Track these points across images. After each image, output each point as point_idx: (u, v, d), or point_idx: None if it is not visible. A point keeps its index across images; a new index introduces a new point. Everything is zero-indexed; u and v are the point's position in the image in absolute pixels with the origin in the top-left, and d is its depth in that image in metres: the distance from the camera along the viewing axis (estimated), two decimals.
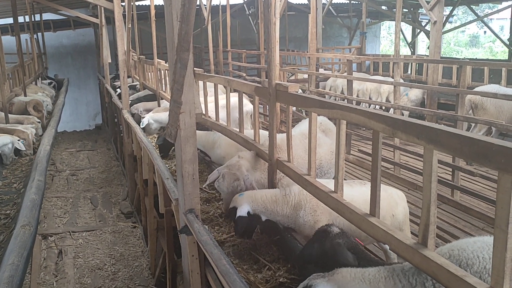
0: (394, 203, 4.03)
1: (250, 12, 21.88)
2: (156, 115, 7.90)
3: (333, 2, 20.45)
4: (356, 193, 3.76)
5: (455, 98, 6.44)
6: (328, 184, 3.53)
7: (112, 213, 9.41)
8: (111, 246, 7.83)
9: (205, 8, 15.16)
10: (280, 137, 4.53)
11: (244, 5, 21.72)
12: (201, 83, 6.80)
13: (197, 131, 6.42)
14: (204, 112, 6.73)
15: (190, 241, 3.80)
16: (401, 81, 9.33)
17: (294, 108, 11.25)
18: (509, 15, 17.94)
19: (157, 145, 6.84)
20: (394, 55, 7.64)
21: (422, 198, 2.31)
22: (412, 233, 5.38)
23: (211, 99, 6.64)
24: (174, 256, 5.74)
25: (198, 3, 16.63)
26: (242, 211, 3.68)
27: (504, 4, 18.57)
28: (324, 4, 17.90)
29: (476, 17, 20.43)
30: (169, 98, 3.71)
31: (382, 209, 3.93)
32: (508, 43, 17.46)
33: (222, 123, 5.92)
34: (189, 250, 3.84)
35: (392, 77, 9.45)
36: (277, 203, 3.82)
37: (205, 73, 6.59)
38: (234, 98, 6.12)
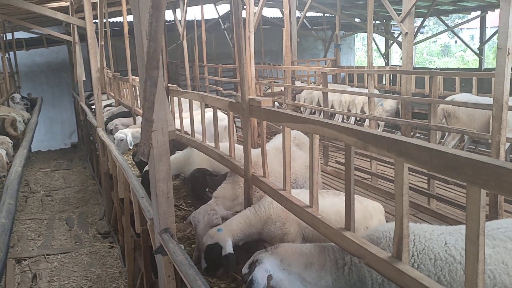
0: (369, 215, 4.02)
1: (226, 27, 21.98)
2: (136, 131, 7.78)
3: (307, 15, 20.72)
4: (327, 204, 3.76)
5: (428, 108, 6.54)
6: (302, 195, 3.52)
7: (89, 233, 9.19)
8: (88, 268, 7.63)
9: (180, 23, 15.19)
10: (256, 153, 4.51)
11: (219, 19, 21.83)
12: (176, 99, 6.76)
13: (171, 156, 6.40)
14: (179, 128, 6.67)
15: (165, 261, 3.72)
16: (376, 91, 9.47)
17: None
18: (478, 24, 18.45)
19: (134, 162, 6.76)
20: (367, 67, 7.74)
21: (395, 211, 2.30)
22: None
23: (186, 114, 6.59)
24: (152, 276, 5.61)
25: (173, 18, 16.66)
26: (229, 247, 3.60)
27: (473, 14, 19.09)
28: (298, 17, 18.11)
29: (446, 28, 20.98)
30: None
31: (356, 221, 3.93)
32: (478, 52, 17.96)
33: (197, 139, 5.87)
34: (165, 270, 3.76)
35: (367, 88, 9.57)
36: (251, 224, 3.82)
37: (179, 89, 6.55)
38: (211, 113, 6.10)
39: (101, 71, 9.13)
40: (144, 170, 5.90)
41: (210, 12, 21.00)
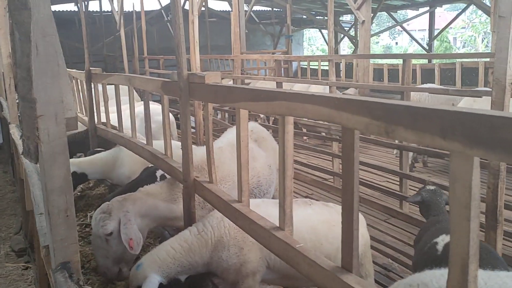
0: None
1: (169, 19, 20.59)
2: None
3: (254, 9, 19.77)
4: (298, 218, 2.71)
5: (400, 97, 5.67)
6: (264, 208, 2.46)
7: (0, 251, 7.64)
8: None
9: (117, 12, 13.76)
10: (204, 151, 3.38)
11: (162, 11, 20.42)
12: (100, 87, 5.48)
13: (93, 156, 5.08)
14: (105, 122, 5.40)
15: None
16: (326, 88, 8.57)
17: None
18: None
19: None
20: (329, 52, 6.78)
21: (450, 247, 1.25)
22: (376, 263, 4.44)
23: (126, 106, 5.22)
24: None
25: (110, 8, 15.13)
26: (150, 286, 2.48)
27: (421, 10, 18.94)
28: (245, 11, 17.09)
29: (388, 27, 20.81)
30: None
31: (335, 237, 2.91)
32: (427, 47, 17.73)
33: (125, 135, 4.65)
34: None
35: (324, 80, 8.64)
36: (193, 251, 2.67)
37: (103, 73, 5.27)
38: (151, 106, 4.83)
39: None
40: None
41: (152, 2, 19.57)
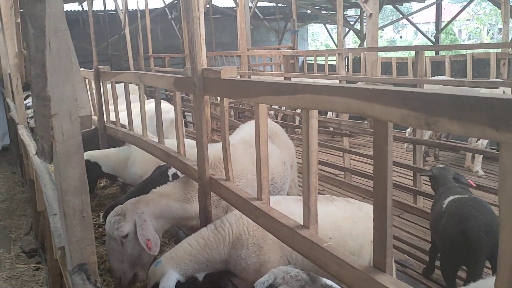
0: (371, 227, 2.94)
1: (173, 16, 20.52)
2: None
3: (258, 5, 19.66)
4: (321, 215, 2.65)
5: None
6: (284, 204, 2.40)
7: (11, 252, 7.60)
8: None
9: (121, 11, 13.73)
10: (216, 148, 3.31)
11: (166, 9, 20.35)
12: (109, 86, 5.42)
13: (106, 149, 5.06)
14: (114, 121, 5.35)
15: None
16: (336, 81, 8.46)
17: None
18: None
19: None
20: (338, 45, 6.69)
21: (499, 247, 1.18)
22: (396, 262, 4.35)
23: (134, 104, 5.14)
24: None
25: (114, 8, 15.11)
26: (168, 283, 2.43)
27: (427, 2, 18.74)
28: (250, 7, 17.00)
29: (394, 20, 20.62)
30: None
31: (358, 235, 2.84)
32: (434, 40, 17.55)
33: (136, 133, 4.59)
34: None
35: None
36: (210, 246, 2.61)
37: (111, 71, 5.21)
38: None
39: (20, 56, 7.56)
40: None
41: (155, 0, 19.54)
